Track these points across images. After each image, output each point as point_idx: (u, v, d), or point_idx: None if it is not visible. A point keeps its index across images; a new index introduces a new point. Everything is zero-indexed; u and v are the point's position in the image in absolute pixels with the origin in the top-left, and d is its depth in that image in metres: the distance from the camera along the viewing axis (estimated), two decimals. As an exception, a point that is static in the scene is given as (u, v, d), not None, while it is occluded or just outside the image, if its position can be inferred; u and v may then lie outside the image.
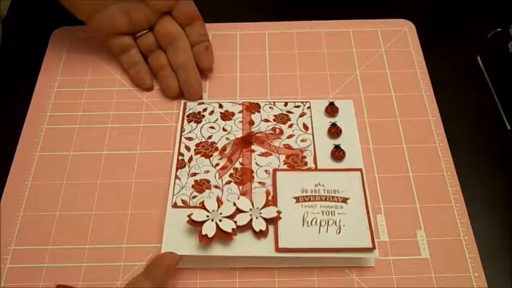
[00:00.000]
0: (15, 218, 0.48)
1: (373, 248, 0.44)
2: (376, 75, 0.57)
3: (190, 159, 0.50)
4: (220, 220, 0.44)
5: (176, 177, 0.49)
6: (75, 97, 0.55)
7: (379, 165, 0.50)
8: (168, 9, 0.54)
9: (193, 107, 0.54)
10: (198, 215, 0.45)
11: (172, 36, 0.54)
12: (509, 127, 0.54)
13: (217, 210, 0.45)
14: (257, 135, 0.51)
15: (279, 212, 0.46)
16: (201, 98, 0.55)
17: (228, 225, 0.44)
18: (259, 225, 0.45)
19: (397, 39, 0.60)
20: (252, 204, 0.46)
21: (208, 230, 0.44)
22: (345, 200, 0.47)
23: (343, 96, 0.55)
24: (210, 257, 0.44)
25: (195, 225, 0.44)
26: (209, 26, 0.59)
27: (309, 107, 0.54)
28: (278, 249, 0.44)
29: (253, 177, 0.49)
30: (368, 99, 0.55)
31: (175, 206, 0.47)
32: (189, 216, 0.44)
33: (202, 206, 0.45)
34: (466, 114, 0.55)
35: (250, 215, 0.45)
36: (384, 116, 0.54)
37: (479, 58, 0.59)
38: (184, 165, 0.49)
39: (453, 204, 0.48)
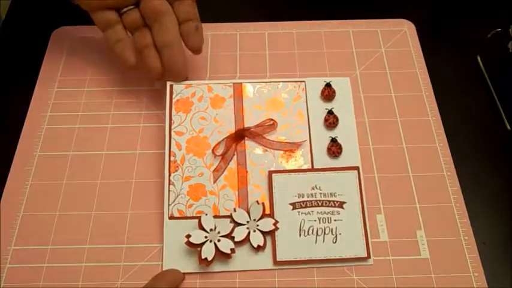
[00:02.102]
0: (15, 218, 0.48)
1: (368, 257, 0.45)
2: (376, 75, 0.57)
3: (183, 159, 0.49)
4: (218, 240, 0.44)
5: (170, 182, 0.48)
6: (75, 97, 0.55)
7: (379, 165, 0.50)
8: None
9: (180, 91, 0.52)
10: (196, 237, 0.44)
11: (158, 12, 0.51)
12: (509, 127, 0.54)
13: (215, 229, 0.45)
14: (250, 129, 0.50)
15: (275, 224, 0.46)
16: (186, 79, 0.53)
17: (226, 246, 0.44)
18: (257, 240, 0.45)
19: (397, 39, 0.60)
20: (249, 215, 0.46)
21: (208, 253, 0.44)
22: (341, 205, 0.47)
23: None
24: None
25: (194, 247, 0.44)
26: (209, 26, 0.59)
27: (303, 89, 0.52)
28: (276, 263, 0.44)
29: (248, 179, 0.48)
30: (368, 99, 0.55)
31: (172, 217, 0.46)
32: (187, 237, 0.44)
33: (200, 225, 0.45)
34: (466, 114, 0.55)
35: (248, 228, 0.45)
36: (384, 116, 0.54)
37: (479, 58, 0.59)
38: (177, 168, 0.48)
39: (453, 204, 0.48)
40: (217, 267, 0.44)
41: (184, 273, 0.44)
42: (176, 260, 0.45)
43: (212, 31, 0.59)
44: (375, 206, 0.48)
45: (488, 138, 0.53)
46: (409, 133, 0.53)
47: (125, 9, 0.52)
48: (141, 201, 0.49)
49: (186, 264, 0.45)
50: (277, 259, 0.44)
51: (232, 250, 0.44)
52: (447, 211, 0.48)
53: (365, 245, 0.45)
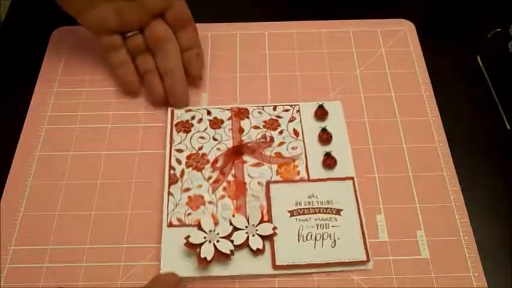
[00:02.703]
0: (15, 218, 0.48)
1: (368, 260, 0.45)
2: (376, 75, 0.57)
3: (182, 173, 0.49)
4: (217, 241, 0.44)
5: (169, 193, 0.48)
6: (75, 97, 0.55)
7: (379, 165, 0.50)
8: (160, 11, 0.53)
9: (180, 115, 0.53)
10: (196, 237, 0.44)
11: (162, 39, 0.53)
12: (509, 127, 0.54)
13: (214, 231, 0.45)
14: (248, 145, 0.51)
15: (274, 229, 0.46)
16: (187, 105, 0.54)
17: (225, 246, 0.44)
18: (256, 243, 0.45)
19: (397, 39, 0.60)
20: (248, 221, 0.46)
21: (207, 253, 0.43)
22: (338, 212, 0.47)
23: (343, 97, 0.55)
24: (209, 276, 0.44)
25: (193, 247, 0.44)
26: (209, 26, 0.59)
27: (298, 111, 0.53)
28: (275, 267, 0.44)
29: (246, 190, 0.48)
30: (368, 99, 0.55)
31: (170, 225, 0.46)
32: (186, 238, 0.44)
33: (199, 226, 0.45)
34: (466, 114, 0.55)
35: (247, 232, 0.45)
36: (384, 116, 0.54)
37: (479, 58, 0.59)
38: (177, 181, 0.49)
39: (453, 204, 0.48)
40: (215, 270, 0.44)
41: (182, 278, 0.44)
42: (174, 265, 0.44)
43: (212, 31, 0.59)
44: (375, 206, 0.48)
45: (488, 138, 0.53)
46: (409, 133, 0.53)
47: (129, 34, 0.54)
48: (141, 201, 0.49)
49: (184, 269, 0.44)
50: (277, 263, 0.44)
51: (232, 252, 0.44)
52: (447, 211, 0.48)
53: (364, 249, 0.45)
